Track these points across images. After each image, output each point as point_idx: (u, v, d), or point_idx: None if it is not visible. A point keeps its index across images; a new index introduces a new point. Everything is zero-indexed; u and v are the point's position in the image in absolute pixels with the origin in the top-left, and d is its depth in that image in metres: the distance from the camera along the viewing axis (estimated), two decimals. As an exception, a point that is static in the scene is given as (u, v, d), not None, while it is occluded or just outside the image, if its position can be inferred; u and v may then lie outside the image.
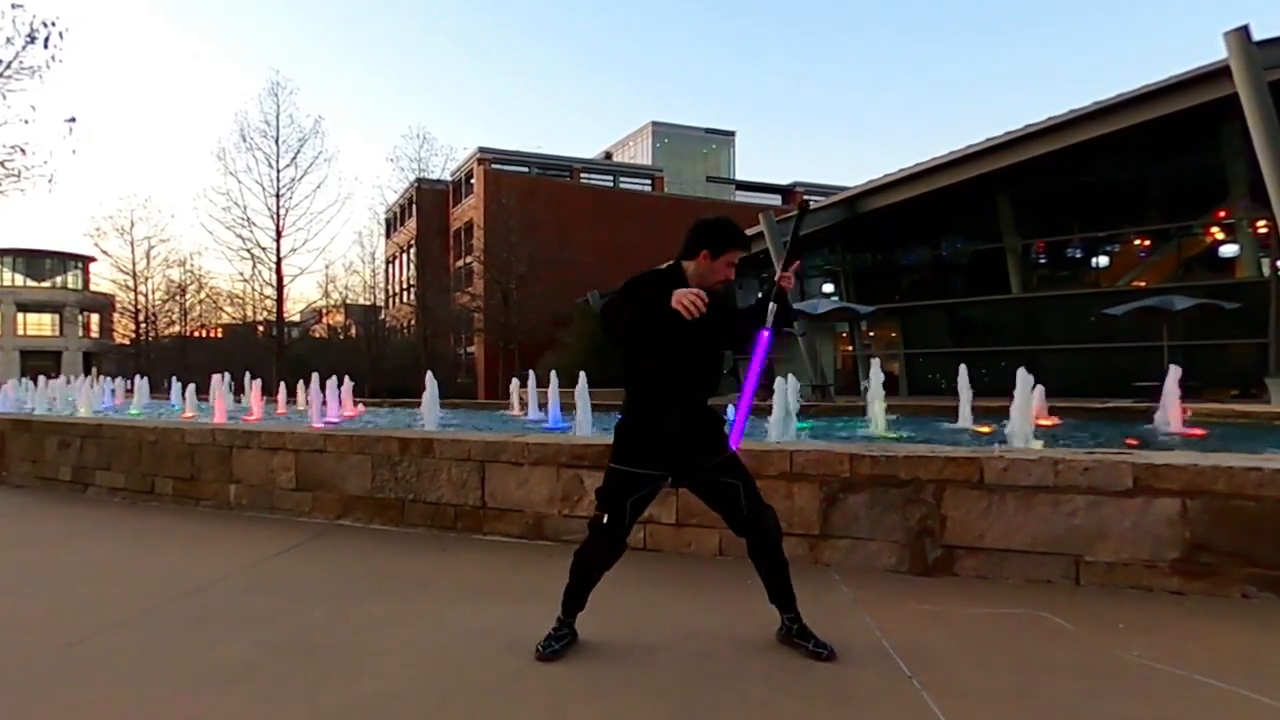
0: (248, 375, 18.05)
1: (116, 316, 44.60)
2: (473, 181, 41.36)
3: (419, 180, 38.76)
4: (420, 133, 51.87)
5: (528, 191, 36.18)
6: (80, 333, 51.89)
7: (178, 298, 42.22)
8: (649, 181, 50.48)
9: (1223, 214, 18.63)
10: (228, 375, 14.09)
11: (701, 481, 2.84)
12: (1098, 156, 18.68)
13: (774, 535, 2.82)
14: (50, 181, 15.87)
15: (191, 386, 16.22)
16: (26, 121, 17.24)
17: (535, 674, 2.64)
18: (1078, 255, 21.22)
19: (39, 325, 53.10)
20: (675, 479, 2.87)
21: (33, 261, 53.48)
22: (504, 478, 4.80)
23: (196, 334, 44.13)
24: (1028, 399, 7.42)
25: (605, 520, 2.77)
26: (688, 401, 2.77)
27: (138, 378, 21.52)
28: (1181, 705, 2.36)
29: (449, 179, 42.84)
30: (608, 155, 65.91)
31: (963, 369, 9.74)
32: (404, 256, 46.72)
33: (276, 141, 29.13)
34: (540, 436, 5.09)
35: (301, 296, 38.35)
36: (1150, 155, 18.55)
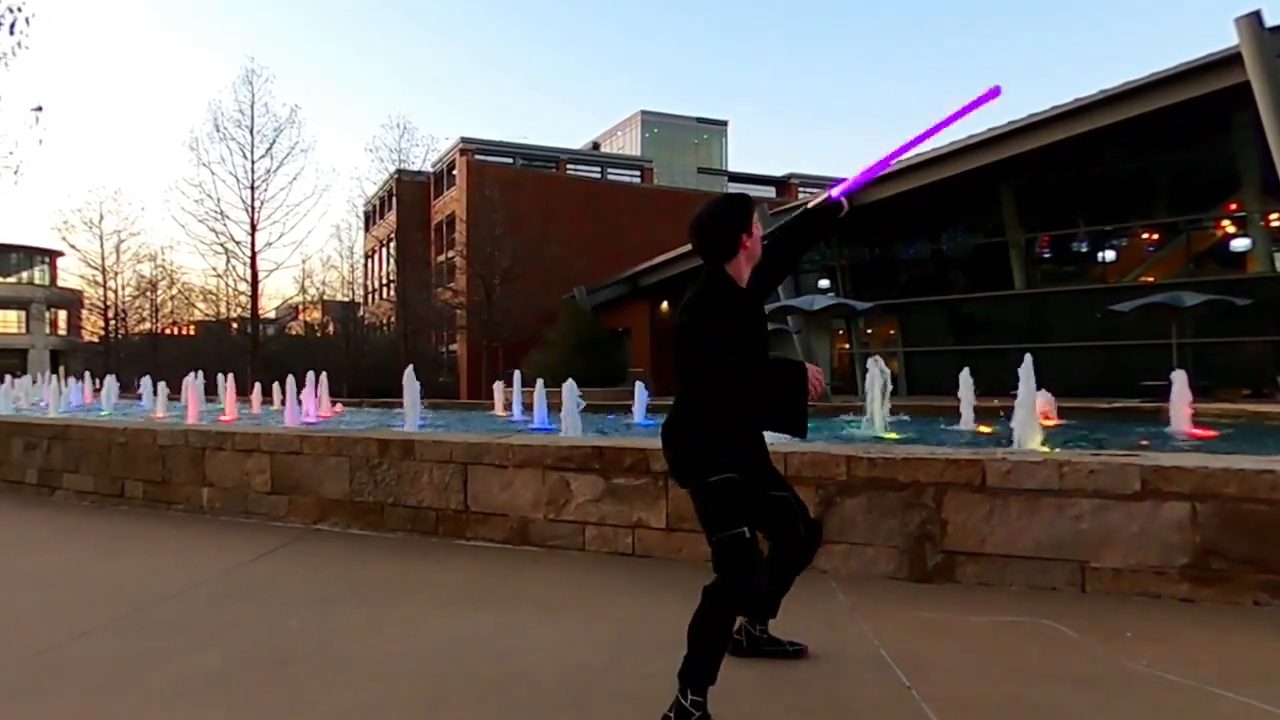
0: (221, 374, 17.74)
1: (85, 313, 43.51)
2: (455, 173, 40.81)
3: (399, 172, 38.18)
4: (400, 122, 51.02)
5: (512, 183, 35.69)
6: (47, 330, 50.45)
7: (148, 294, 41.23)
8: (638, 173, 50.02)
9: (1234, 207, 18.37)
10: (200, 374, 13.86)
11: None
12: (1104, 147, 18.31)
13: (810, 558, 2.71)
14: (16, 173, 15.49)
15: (163, 386, 15.99)
16: (-9, 112, 16.88)
17: (519, 684, 2.60)
18: (1083, 250, 20.83)
19: (4, 322, 51.55)
20: None
21: (-3, 256, 52.23)
22: (487, 481, 4.68)
23: (168, 331, 43.15)
24: (1033, 390, 7.33)
25: (736, 538, 2.22)
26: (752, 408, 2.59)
27: (107, 376, 21.08)
28: (1192, 718, 2.31)
29: (430, 170, 42.22)
30: (595, 146, 65.76)
31: (964, 368, 9.65)
32: (383, 251, 46.01)
33: (251, 131, 28.39)
34: (525, 438, 5.01)
35: (277, 292, 37.87)
36: (1159, 146, 18.14)
